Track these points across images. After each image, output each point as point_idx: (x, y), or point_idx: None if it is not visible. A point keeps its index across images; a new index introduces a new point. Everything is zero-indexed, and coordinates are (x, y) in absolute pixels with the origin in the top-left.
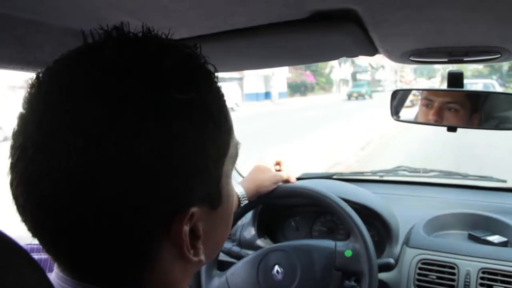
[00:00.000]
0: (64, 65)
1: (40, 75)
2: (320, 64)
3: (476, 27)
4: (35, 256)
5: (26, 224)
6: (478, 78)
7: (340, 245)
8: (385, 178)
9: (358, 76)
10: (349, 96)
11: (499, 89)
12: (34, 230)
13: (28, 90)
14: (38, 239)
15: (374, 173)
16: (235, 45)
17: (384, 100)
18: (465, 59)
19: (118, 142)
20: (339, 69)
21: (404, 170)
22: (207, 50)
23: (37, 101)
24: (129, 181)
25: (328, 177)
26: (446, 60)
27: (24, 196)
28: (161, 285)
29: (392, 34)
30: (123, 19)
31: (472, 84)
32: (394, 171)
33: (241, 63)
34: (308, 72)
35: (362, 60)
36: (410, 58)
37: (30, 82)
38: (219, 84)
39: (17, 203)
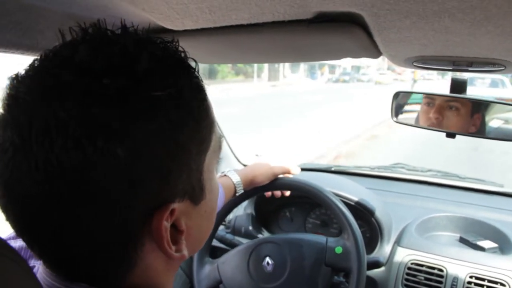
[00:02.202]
0: (40, 65)
1: (21, 73)
2: None
3: (482, 40)
4: (18, 243)
5: (9, 223)
6: None
7: (331, 241)
8: (383, 174)
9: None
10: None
11: (509, 85)
12: (17, 229)
13: (7, 90)
14: (22, 238)
15: (372, 168)
16: (238, 39)
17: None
18: (469, 69)
19: (96, 142)
20: None
21: (402, 167)
22: (210, 43)
23: (15, 102)
24: (108, 180)
25: (327, 169)
26: (450, 68)
27: (5, 197)
28: (145, 279)
29: (396, 40)
30: (126, 8)
31: (479, 79)
32: (392, 167)
33: (243, 57)
34: None
35: None
36: (414, 64)
37: (8, 82)
38: (199, 78)
39: (0, 203)
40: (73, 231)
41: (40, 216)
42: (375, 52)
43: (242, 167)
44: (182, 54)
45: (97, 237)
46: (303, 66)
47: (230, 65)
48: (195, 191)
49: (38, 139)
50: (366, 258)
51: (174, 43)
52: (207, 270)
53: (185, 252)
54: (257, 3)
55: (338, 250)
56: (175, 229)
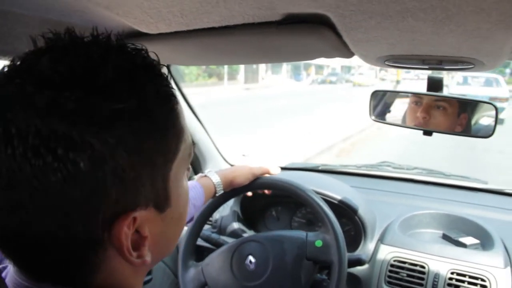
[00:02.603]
0: (7, 73)
1: None
2: None
3: (446, 39)
4: None
5: None
6: None
7: (311, 235)
8: (369, 172)
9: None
10: None
11: (504, 84)
12: None
13: None
14: None
15: (358, 167)
16: (211, 42)
17: None
18: (439, 67)
19: (55, 152)
20: None
21: (388, 165)
22: (184, 45)
23: None
24: (68, 187)
25: (313, 169)
26: (426, 67)
27: None
28: (112, 282)
29: (364, 40)
30: (101, 13)
31: (474, 78)
32: (378, 166)
33: (218, 58)
34: None
35: None
36: (385, 63)
37: None
38: (169, 86)
39: None
40: (36, 235)
41: (4, 219)
42: (346, 52)
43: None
44: (155, 62)
45: (59, 241)
46: (286, 67)
47: (203, 67)
48: (160, 199)
49: (1, 146)
50: (346, 250)
51: (143, 51)
52: (192, 273)
53: (148, 258)
54: (226, 6)
55: (318, 243)
56: (139, 236)
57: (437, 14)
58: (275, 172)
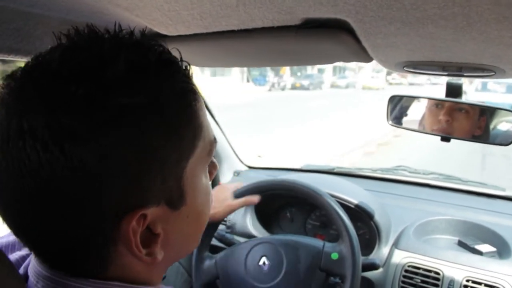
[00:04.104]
0: (25, 70)
1: (13, 75)
2: None
3: (467, 46)
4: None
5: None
6: None
7: (328, 246)
8: (385, 176)
9: None
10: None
11: None
12: (5, 221)
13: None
14: (10, 229)
15: (374, 170)
16: (229, 44)
17: None
18: (460, 74)
19: (62, 146)
20: None
21: (404, 170)
22: (202, 47)
23: (1, 104)
24: (74, 181)
25: (329, 171)
26: (445, 73)
27: None
28: (125, 275)
29: (384, 46)
30: (121, 14)
31: (495, 83)
32: (394, 170)
33: (235, 61)
34: None
35: None
36: (404, 69)
37: (2, 82)
38: (189, 83)
39: None
40: (47, 226)
41: (18, 210)
42: (365, 56)
43: (246, 168)
44: (173, 58)
45: (70, 233)
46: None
47: None
48: (173, 196)
49: (14, 139)
50: (360, 266)
51: (160, 47)
52: (206, 265)
53: (159, 256)
54: (246, 10)
55: (334, 256)
56: (151, 233)
57: (458, 22)
58: (254, 201)
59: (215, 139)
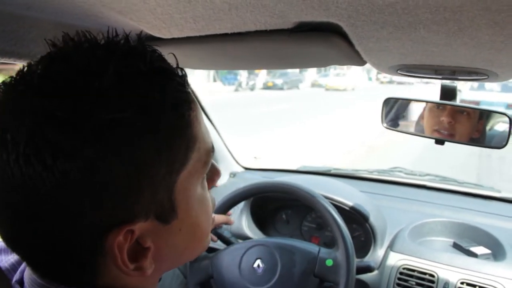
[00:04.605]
0: (11, 83)
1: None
2: None
3: (459, 51)
4: None
5: None
6: None
7: (323, 252)
8: (381, 177)
9: None
10: None
11: None
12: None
13: None
14: (6, 244)
15: (370, 172)
16: (223, 47)
17: None
18: (453, 77)
19: (44, 160)
20: None
21: (400, 171)
22: (196, 50)
23: None
24: (58, 196)
25: (325, 172)
26: (439, 76)
27: None
28: (116, 285)
29: (376, 49)
30: (116, 18)
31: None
32: (390, 171)
33: (229, 63)
34: None
35: None
36: (398, 72)
37: None
38: (183, 91)
39: None
40: (34, 238)
41: (5, 221)
42: (359, 60)
43: (242, 169)
44: (167, 66)
45: (56, 246)
46: None
47: None
48: (164, 210)
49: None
50: (355, 273)
51: (155, 54)
52: (200, 264)
53: (149, 270)
54: (238, 14)
55: (329, 262)
56: (140, 247)
57: (450, 27)
58: (230, 222)
59: (212, 148)
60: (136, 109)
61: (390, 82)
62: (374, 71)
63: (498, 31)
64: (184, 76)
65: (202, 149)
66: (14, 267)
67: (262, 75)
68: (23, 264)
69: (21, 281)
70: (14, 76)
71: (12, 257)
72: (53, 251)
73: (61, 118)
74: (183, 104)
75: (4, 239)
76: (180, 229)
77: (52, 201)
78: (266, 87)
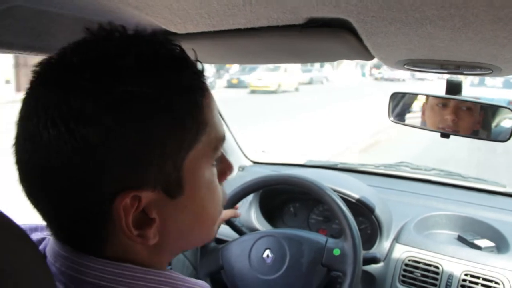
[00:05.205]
0: (47, 60)
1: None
2: None
3: (464, 46)
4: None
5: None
6: None
7: (330, 242)
8: (387, 172)
9: None
10: None
11: None
12: (25, 191)
13: (33, 74)
14: (29, 200)
15: (377, 166)
16: (236, 42)
17: None
18: (458, 71)
19: (68, 124)
20: None
21: (406, 166)
22: (211, 45)
23: (27, 88)
24: (76, 158)
25: (332, 166)
26: (445, 71)
27: (16, 159)
28: (122, 257)
29: (385, 45)
30: (132, 13)
31: (491, 78)
32: (396, 166)
33: (242, 58)
34: None
35: None
36: (405, 66)
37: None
38: (198, 80)
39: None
40: (56, 201)
41: (33, 183)
42: (367, 55)
43: (250, 163)
44: (185, 55)
45: (72, 208)
46: None
47: None
48: (171, 184)
49: (32, 117)
50: (361, 262)
51: (175, 45)
52: (211, 255)
53: (152, 240)
54: (252, 10)
55: (336, 252)
56: (146, 217)
57: (455, 22)
58: (237, 216)
59: (224, 137)
60: (154, 86)
61: (377, 79)
62: (368, 66)
63: (501, 26)
64: (202, 68)
65: (213, 134)
66: (38, 242)
67: (234, 70)
68: (44, 242)
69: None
70: (50, 56)
71: (32, 237)
72: (69, 214)
73: (85, 88)
74: (197, 89)
75: (32, 201)
76: (186, 206)
77: (72, 163)
78: (231, 85)
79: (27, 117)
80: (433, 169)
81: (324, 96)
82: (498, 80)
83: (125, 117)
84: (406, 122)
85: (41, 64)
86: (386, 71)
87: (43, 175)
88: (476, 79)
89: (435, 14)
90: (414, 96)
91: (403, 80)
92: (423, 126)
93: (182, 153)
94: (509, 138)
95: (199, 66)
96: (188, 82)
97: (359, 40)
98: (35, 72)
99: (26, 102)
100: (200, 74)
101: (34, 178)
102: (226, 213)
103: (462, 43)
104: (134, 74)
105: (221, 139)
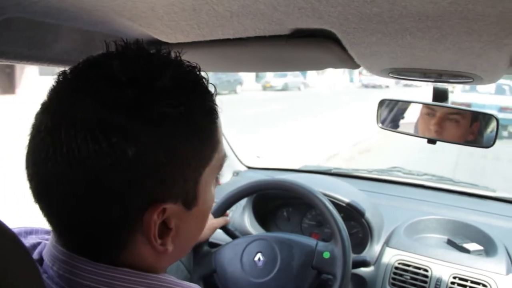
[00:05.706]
0: (81, 69)
1: (67, 71)
2: None
3: (443, 56)
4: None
5: (31, 191)
6: None
7: (320, 245)
8: (380, 177)
9: None
10: None
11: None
12: (35, 199)
13: (54, 83)
14: (39, 207)
15: (370, 171)
16: (226, 51)
17: None
18: (440, 79)
19: (110, 139)
20: None
21: (399, 171)
22: (201, 54)
23: (56, 95)
24: (114, 173)
25: (325, 172)
26: (428, 79)
27: (30, 169)
28: (134, 263)
29: (368, 54)
30: (126, 23)
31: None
32: (389, 171)
33: (232, 66)
34: None
35: None
36: (390, 74)
37: (56, 76)
38: (214, 102)
39: (27, 173)
40: (82, 212)
41: (57, 194)
42: (352, 63)
43: (245, 168)
44: (205, 80)
45: (99, 219)
46: None
47: None
48: (189, 197)
49: (67, 128)
50: (351, 265)
51: (196, 69)
52: (204, 259)
53: (170, 247)
54: (239, 21)
55: (326, 255)
56: (165, 227)
57: (433, 34)
58: (227, 223)
59: (225, 154)
60: (186, 108)
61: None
62: (355, 73)
63: (476, 38)
64: (215, 91)
65: (221, 153)
66: (34, 246)
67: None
68: (40, 246)
69: (40, 259)
70: (77, 66)
71: (27, 241)
72: (89, 223)
73: (127, 105)
74: (215, 112)
75: (47, 210)
76: (197, 217)
77: (108, 177)
78: None
79: (56, 128)
80: (425, 174)
81: (287, 107)
82: (490, 86)
83: (160, 135)
84: (395, 128)
85: (65, 74)
86: (366, 76)
87: (69, 185)
88: (466, 85)
89: (413, 26)
90: (402, 103)
91: (387, 86)
92: (412, 133)
93: (200, 170)
94: (493, 144)
95: (212, 88)
96: (209, 105)
97: (344, 49)
98: (62, 81)
99: (55, 110)
100: (215, 97)
101: (56, 186)
102: (219, 221)
103: (441, 53)
104: (171, 95)
105: (225, 156)
